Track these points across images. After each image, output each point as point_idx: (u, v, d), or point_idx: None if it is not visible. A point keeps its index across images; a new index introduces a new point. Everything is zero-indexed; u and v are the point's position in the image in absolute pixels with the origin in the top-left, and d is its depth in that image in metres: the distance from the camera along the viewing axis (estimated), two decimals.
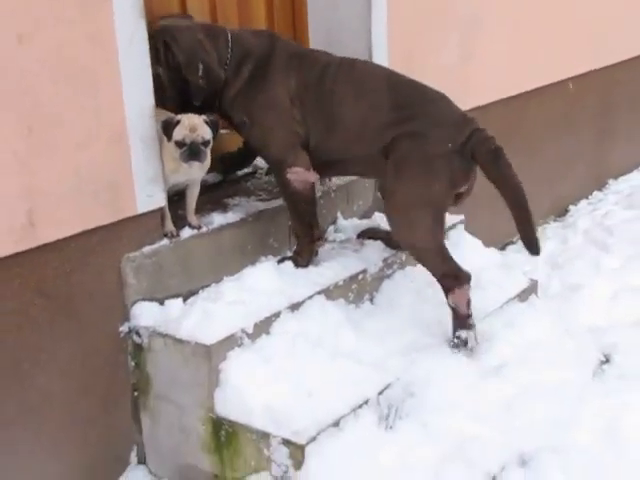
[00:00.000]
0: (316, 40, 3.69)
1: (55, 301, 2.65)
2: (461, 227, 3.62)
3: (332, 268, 3.11)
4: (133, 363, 2.85)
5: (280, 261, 3.12)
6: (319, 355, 2.81)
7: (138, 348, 2.81)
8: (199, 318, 2.69)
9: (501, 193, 2.91)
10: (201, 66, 2.96)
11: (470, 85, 4.15)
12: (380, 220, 3.53)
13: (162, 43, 2.94)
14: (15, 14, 2.36)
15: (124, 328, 2.81)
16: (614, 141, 5.57)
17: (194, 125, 2.78)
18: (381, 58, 3.67)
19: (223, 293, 2.82)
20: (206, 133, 2.81)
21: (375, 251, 3.29)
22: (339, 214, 3.52)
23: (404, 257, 3.34)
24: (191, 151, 2.78)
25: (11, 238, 2.45)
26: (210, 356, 2.61)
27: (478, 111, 4.13)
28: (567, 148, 5.08)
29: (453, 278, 3.04)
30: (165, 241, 2.88)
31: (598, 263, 4.28)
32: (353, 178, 3.56)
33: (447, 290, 3.06)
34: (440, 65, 3.94)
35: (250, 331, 2.71)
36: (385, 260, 3.28)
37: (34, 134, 2.43)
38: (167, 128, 2.76)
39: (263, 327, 2.76)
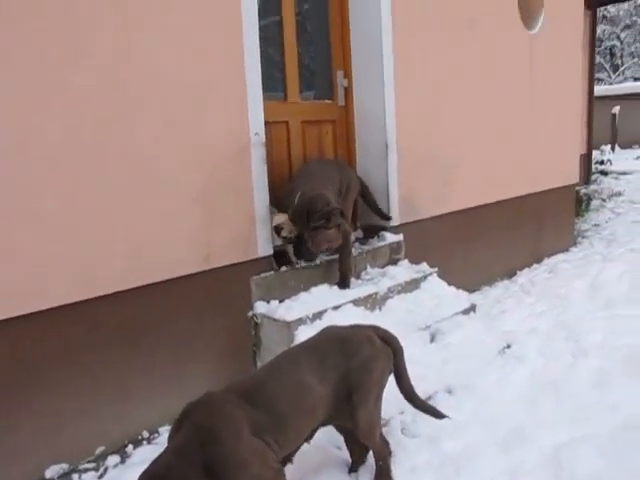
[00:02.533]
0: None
1: (215, 297, 3.45)
2: (435, 275, 4.27)
3: (358, 290, 3.84)
4: (253, 332, 3.60)
5: (335, 284, 3.90)
6: None
7: (256, 324, 3.59)
8: (285, 309, 3.49)
9: None
10: None
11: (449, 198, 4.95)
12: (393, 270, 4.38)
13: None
14: (208, 162, 3.53)
15: (250, 313, 3.59)
16: (545, 235, 6.18)
17: (291, 230, 3.71)
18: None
19: (298, 298, 3.63)
20: (295, 230, 3.72)
21: (385, 283, 3.98)
22: (368, 265, 4.24)
23: (400, 288, 4.07)
24: (289, 240, 3.74)
25: (196, 265, 3.36)
26: (290, 327, 3.38)
27: (457, 213, 5.05)
28: (516, 236, 5.76)
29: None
30: (272, 272, 3.71)
31: (521, 300, 4.90)
32: (378, 245, 4.41)
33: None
34: (429, 188, 4.78)
35: (310, 317, 3.46)
36: (389, 288, 3.96)
37: (215, 217, 3.39)
38: (276, 229, 3.69)
39: (318, 316, 3.49)
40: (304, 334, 3.40)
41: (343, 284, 3.91)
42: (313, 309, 3.56)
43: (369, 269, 4.25)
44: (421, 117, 4.58)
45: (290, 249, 3.84)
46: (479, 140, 5.13)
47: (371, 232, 4.47)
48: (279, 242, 3.80)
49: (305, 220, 3.65)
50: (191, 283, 3.37)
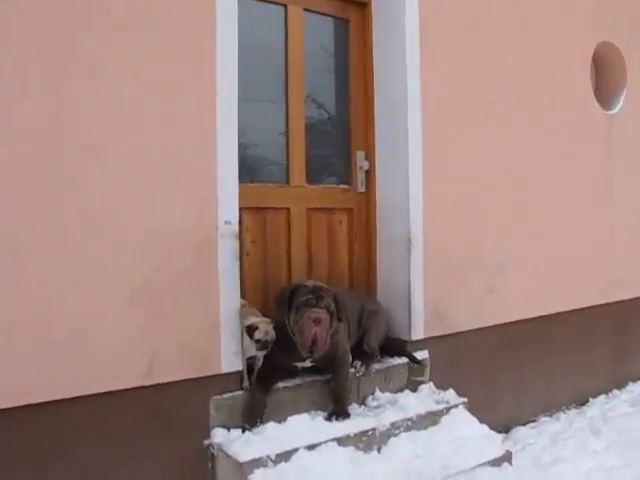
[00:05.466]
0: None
1: (162, 419, 2.72)
2: (462, 407, 3.26)
3: (349, 424, 2.91)
4: (210, 465, 2.81)
5: (329, 413, 2.99)
6: None
7: (212, 456, 2.80)
8: (242, 444, 2.68)
9: None
10: None
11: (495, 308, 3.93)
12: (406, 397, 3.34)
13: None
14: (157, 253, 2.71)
15: (206, 442, 2.82)
16: (631, 353, 4.90)
17: (267, 330, 2.91)
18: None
19: (264, 430, 2.78)
20: (273, 335, 2.92)
21: (389, 416, 3.03)
22: (377, 388, 3.30)
23: (410, 423, 3.08)
24: (263, 345, 2.91)
25: (132, 378, 2.64)
26: (242, 470, 2.57)
27: (505, 326, 4.00)
28: (589, 355, 4.56)
29: None
30: (241, 391, 2.92)
31: (586, 444, 3.63)
32: (393, 363, 3.47)
33: None
34: (468, 295, 3.79)
35: (273, 458, 2.62)
36: (394, 423, 3.00)
37: (163, 320, 2.71)
38: (249, 330, 2.88)
39: (284, 457, 2.64)
40: None
41: (338, 413, 2.99)
42: (279, 447, 2.70)
43: (378, 393, 3.30)
44: (458, 207, 3.70)
45: (244, 363, 2.99)
46: (538, 236, 4.12)
47: (387, 348, 3.54)
48: (252, 352, 3.00)
49: (287, 301, 2.88)
50: (126, 400, 2.64)
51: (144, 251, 2.66)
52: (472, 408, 3.34)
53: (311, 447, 2.74)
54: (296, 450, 2.70)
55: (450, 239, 3.64)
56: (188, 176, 2.76)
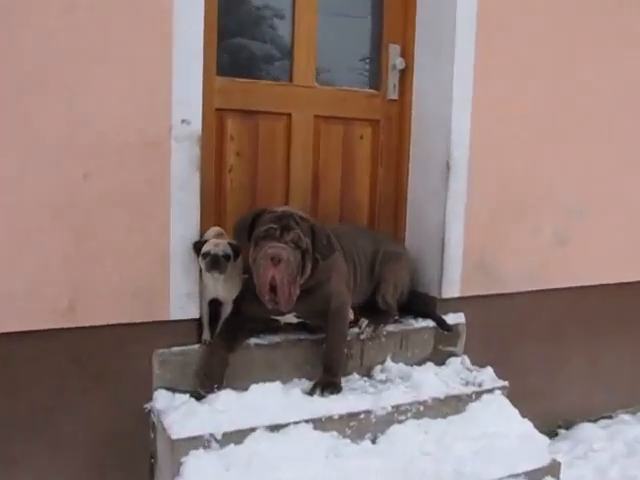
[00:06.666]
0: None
1: (90, 371, 2.14)
2: (499, 393, 2.43)
3: (334, 402, 2.18)
4: (152, 435, 2.20)
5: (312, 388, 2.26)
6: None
7: (154, 424, 2.19)
8: (181, 416, 2.03)
9: None
10: None
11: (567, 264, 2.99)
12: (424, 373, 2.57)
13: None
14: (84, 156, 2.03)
15: (147, 406, 2.20)
16: None
17: (217, 243, 2.22)
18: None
19: (216, 400, 2.10)
20: (227, 249, 2.22)
21: (393, 396, 2.27)
22: (389, 357, 2.53)
23: (422, 408, 2.33)
24: (212, 260, 2.20)
25: (46, 317, 2.04)
26: (174, 450, 1.94)
27: (580, 290, 3.07)
28: None
29: None
30: (196, 345, 2.27)
31: None
32: (415, 327, 2.67)
33: None
34: (530, 244, 2.88)
35: (219, 438, 1.98)
36: (397, 406, 2.23)
37: (89, 246, 2.05)
38: (197, 246, 2.21)
39: (234, 438, 1.99)
40: (200, 468, 1.93)
41: (325, 385, 2.26)
42: (231, 423, 2.04)
43: (389, 363, 2.54)
44: (523, 124, 2.76)
45: (205, 308, 2.33)
46: (635, 173, 3.10)
47: (411, 306, 2.74)
48: (212, 291, 2.32)
49: (248, 231, 2.16)
50: (42, 345, 2.06)
51: (66, 154, 1.99)
52: (519, 394, 2.51)
53: (275, 428, 2.07)
54: (253, 430, 2.04)
55: (508, 167, 2.73)
56: (129, 54, 2.03)
